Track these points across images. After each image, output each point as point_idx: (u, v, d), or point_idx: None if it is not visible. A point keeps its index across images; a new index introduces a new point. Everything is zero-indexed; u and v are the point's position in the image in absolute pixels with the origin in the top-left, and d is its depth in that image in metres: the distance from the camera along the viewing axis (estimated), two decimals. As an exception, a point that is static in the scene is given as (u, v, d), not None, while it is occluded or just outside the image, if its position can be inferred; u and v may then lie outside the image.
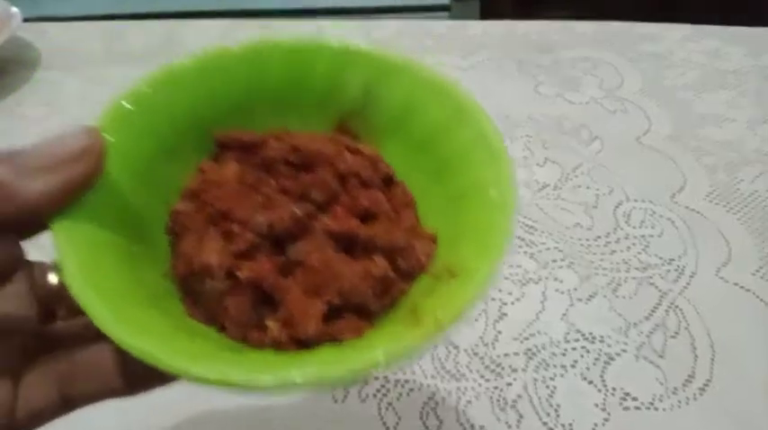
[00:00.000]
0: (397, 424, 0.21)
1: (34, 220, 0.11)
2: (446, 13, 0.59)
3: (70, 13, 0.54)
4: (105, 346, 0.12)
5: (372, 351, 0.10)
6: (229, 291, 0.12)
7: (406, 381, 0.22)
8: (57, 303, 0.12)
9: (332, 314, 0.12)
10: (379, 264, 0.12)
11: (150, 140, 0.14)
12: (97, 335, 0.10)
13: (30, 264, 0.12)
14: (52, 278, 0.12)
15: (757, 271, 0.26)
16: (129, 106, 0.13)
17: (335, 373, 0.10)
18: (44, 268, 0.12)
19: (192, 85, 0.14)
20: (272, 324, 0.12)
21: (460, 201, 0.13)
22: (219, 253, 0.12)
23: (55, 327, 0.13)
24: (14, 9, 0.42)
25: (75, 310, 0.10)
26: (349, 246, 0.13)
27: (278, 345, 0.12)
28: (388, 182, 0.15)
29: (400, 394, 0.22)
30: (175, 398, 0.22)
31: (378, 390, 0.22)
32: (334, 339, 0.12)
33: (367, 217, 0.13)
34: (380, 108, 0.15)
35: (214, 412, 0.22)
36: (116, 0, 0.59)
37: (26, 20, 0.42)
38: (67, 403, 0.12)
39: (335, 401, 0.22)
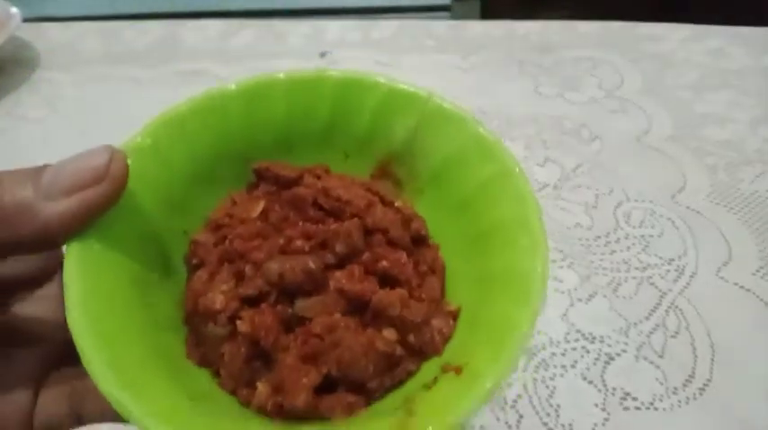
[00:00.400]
0: (397, 424, 0.21)
1: (48, 240, 0.11)
2: (447, 13, 0.59)
3: (70, 13, 0.54)
4: None
5: None
6: (228, 338, 0.12)
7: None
8: None
9: (327, 385, 0.11)
10: (387, 338, 0.12)
11: (183, 166, 0.13)
12: None
13: None
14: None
15: (757, 271, 0.26)
16: (162, 130, 0.13)
17: None
18: None
19: (233, 113, 0.14)
20: (261, 387, 0.11)
21: (489, 283, 0.12)
22: (226, 296, 0.12)
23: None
24: (14, 9, 0.42)
25: None
26: (360, 309, 0.12)
27: (263, 412, 0.11)
28: (419, 242, 0.14)
29: (400, 394, 0.22)
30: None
31: (378, 390, 0.22)
32: (322, 415, 0.11)
33: (387, 279, 0.13)
34: (425, 156, 0.14)
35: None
36: (115, 0, 0.59)
37: (26, 20, 0.42)
38: (77, 419, 0.12)
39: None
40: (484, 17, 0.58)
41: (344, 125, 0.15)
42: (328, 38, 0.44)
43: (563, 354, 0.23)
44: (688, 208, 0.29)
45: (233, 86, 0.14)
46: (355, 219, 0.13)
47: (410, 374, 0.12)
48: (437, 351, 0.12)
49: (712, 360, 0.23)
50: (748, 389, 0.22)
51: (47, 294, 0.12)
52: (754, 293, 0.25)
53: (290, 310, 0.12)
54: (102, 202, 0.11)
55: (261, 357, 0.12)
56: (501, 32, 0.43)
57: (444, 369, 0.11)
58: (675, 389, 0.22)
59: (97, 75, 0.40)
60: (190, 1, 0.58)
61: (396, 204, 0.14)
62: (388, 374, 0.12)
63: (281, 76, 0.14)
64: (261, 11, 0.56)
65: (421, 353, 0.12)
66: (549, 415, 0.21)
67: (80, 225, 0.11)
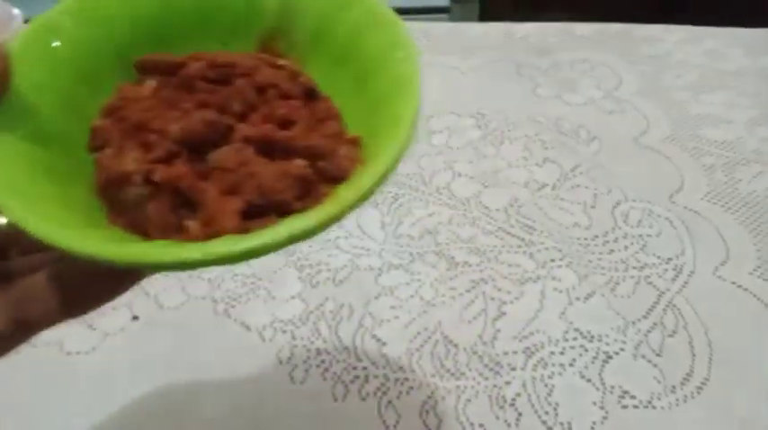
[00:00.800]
0: (397, 422, 0.21)
1: None
2: (445, 15, 0.59)
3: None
4: (44, 271, 0.12)
5: (269, 231, 0.10)
6: (148, 196, 0.12)
7: (406, 380, 0.23)
8: (9, 245, 0.12)
9: (254, 214, 0.12)
10: (299, 165, 0.12)
11: (69, 67, 0.13)
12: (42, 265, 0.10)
13: None
14: (2, 220, 0.12)
15: (755, 270, 0.26)
16: (42, 32, 0.13)
17: (236, 248, 0.10)
18: None
19: (106, 12, 0.14)
20: (191, 223, 0.12)
21: (378, 107, 0.13)
22: (137, 161, 0.12)
23: (10, 263, 0.13)
24: (16, 10, 0.42)
25: (27, 251, 0.11)
26: (269, 151, 0.13)
27: None
28: (311, 95, 0.14)
29: (400, 393, 0.22)
30: (174, 399, 0.22)
31: (377, 389, 0.22)
32: None
33: (287, 124, 0.13)
34: (299, 22, 0.15)
35: (211, 413, 0.22)
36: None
37: (27, 21, 0.42)
38: (22, 328, 0.12)
39: (335, 400, 0.22)
40: (482, 19, 0.58)
41: (217, 12, 0.15)
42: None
43: (561, 353, 0.23)
44: (686, 208, 0.29)
45: None
46: (245, 78, 0.13)
47: (328, 196, 0.12)
48: (349, 176, 0.13)
49: (710, 359, 0.23)
50: (746, 388, 0.22)
51: None
52: (751, 292, 0.25)
53: (203, 165, 0.12)
54: None
55: (184, 205, 0.12)
56: (499, 34, 0.43)
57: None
58: (673, 387, 0.22)
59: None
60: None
61: (280, 63, 0.14)
62: (309, 198, 0.12)
63: None
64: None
65: (335, 179, 0.13)
66: (547, 413, 0.21)
67: None
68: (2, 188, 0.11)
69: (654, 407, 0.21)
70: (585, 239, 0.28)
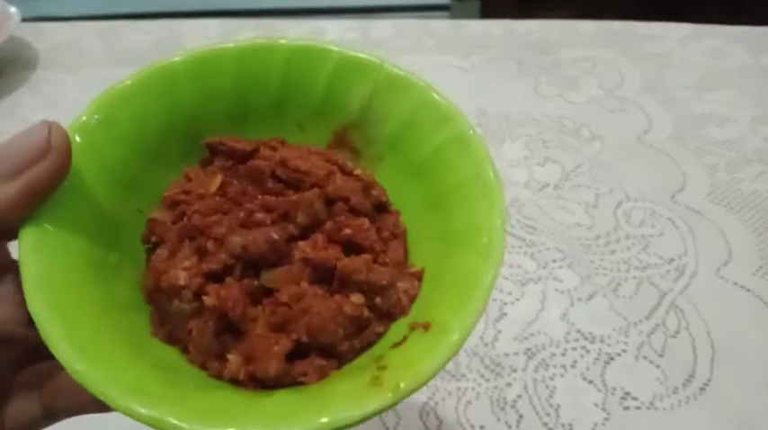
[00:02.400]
0: (397, 424, 0.21)
1: (3, 226, 0.11)
2: (446, 13, 0.59)
3: (69, 12, 0.54)
4: None
5: (318, 416, 0.09)
6: (195, 313, 0.12)
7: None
8: None
9: (298, 352, 0.11)
10: (355, 303, 0.12)
11: (132, 142, 0.13)
12: None
13: (16, 265, 0.11)
14: None
15: (757, 270, 0.26)
16: (108, 105, 0.13)
17: None
18: None
19: (180, 85, 0.14)
20: (232, 358, 0.11)
21: (450, 242, 0.13)
22: (189, 272, 0.12)
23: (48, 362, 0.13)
24: (13, 9, 0.42)
25: None
26: (326, 277, 0.12)
27: (236, 382, 0.11)
28: (381, 209, 0.14)
29: (400, 394, 0.22)
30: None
31: (378, 390, 0.22)
32: (295, 380, 0.11)
33: (351, 247, 0.13)
34: (381, 123, 0.14)
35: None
36: (115, -1, 0.59)
37: (24, 20, 0.42)
38: (50, 415, 0.12)
39: (336, 401, 0.22)
40: (483, 17, 0.58)
41: (298, 95, 0.15)
42: (327, 38, 0.44)
43: (563, 354, 0.23)
44: (688, 207, 0.29)
45: (178, 58, 0.14)
46: (315, 188, 0.13)
47: (379, 336, 0.12)
48: (404, 311, 0.12)
49: (712, 359, 0.23)
50: (748, 389, 0.22)
51: None
52: (754, 293, 0.25)
53: (255, 283, 0.12)
54: (50, 179, 0.11)
55: (229, 330, 0.12)
56: (501, 32, 0.43)
57: (412, 327, 0.12)
58: (676, 388, 0.22)
59: (97, 75, 0.40)
60: (190, 1, 0.57)
61: (355, 172, 0.14)
62: (358, 337, 0.12)
63: (230, 45, 0.14)
64: (261, 10, 0.56)
65: (389, 315, 0.12)
66: (549, 415, 0.21)
67: (31, 206, 0.11)
68: (43, 301, 0.10)
69: (656, 409, 0.21)
70: (587, 240, 0.28)
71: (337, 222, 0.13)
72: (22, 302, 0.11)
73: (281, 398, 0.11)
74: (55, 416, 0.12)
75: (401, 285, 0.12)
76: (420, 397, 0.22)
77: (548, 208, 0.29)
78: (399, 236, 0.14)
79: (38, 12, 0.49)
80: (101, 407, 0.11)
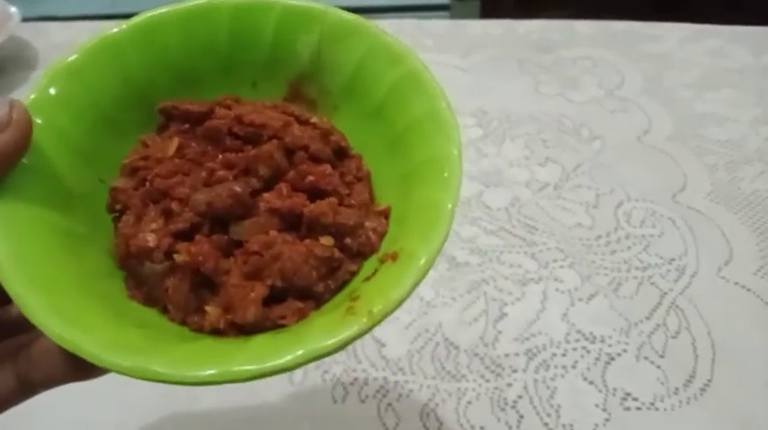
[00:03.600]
0: (397, 425, 0.21)
1: None
2: (446, 13, 0.59)
3: (69, 12, 0.54)
4: None
5: (295, 349, 0.10)
6: (169, 272, 0.12)
7: (406, 382, 0.22)
8: None
9: (275, 296, 0.12)
10: (324, 245, 0.12)
11: (87, 114, 0.13)
12: None
13: None
14: None
15: (758, 270, 0.26)
16: (59, 80, 0.13)
17: (248, 374, 0.10)
18: None
19: (128, 53, 0.13)
20: (211, 310, 0.11)
21: (412, 178, 0.13)
22: (158, 234, 0.12)
23: (12, 311, 0.13)
24: (13, 9, 0.42)
25: None
26: (294, 225, 0.12)
27: (217, 332, 0.11)
28: (341, 154, 0.14)
29: (400, 395, 0.22)
30: (174, 400, 0.22)
31: (377, 391, 0.22)
32: (275, 324, 0.11)
33: (315, 193, 0.13)
34: (333, 71, 0.14)
35: (210, 414, 0.22)
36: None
37: (25, 19, 0.42)
38: (27, 388, 0.12)
39: (335, 402, 0.22)
40: (483, 16, 0.58)
41: (246, 52, 0.14)
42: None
43: (563, 355, 0.23)
44: (689, 207, 0.29)
45: (124, 26, 0.14)
46: (274, 140, 0.13)
47: (353, 274, 0.12)
48: (374, 249, 0.12)
49: (713, 360, 0.23)
50: (749, 389, 0.22)
51: None
52: (754, 293, 0.25)
53: (225, 237, 0.12)
54: (11, 151, 0.11)
55: (204, 284, 0.12)
56: (501, 32, 0.43)
57: (382, 259, 0.12)
58: (676, 389, 0.22)
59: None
60: (190, 1, 0.57)
61: (311, 121, 0.14)
62: (332, 277, 0.12)
63: (172, 8, 0.14)
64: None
65: (360, 254, 0.12)
66: (549, 415, 0.21)
67: None
68: (19, 276, 0.10)
69: (657, 409, 0.21)
70: (588, 239, 0.28)
71: (299, 171, 0.13)
72: None
73: (260, 340, 0.11)
74: (32, 389, 0.12)
75: (369, 224, 0.12)
76: (419, 398, 0.22)
77: (548, 208, 0.29)
78: (363, 178, 0.14)
79: (38, 12, 0.49)
80: (76, 375, 0.12)
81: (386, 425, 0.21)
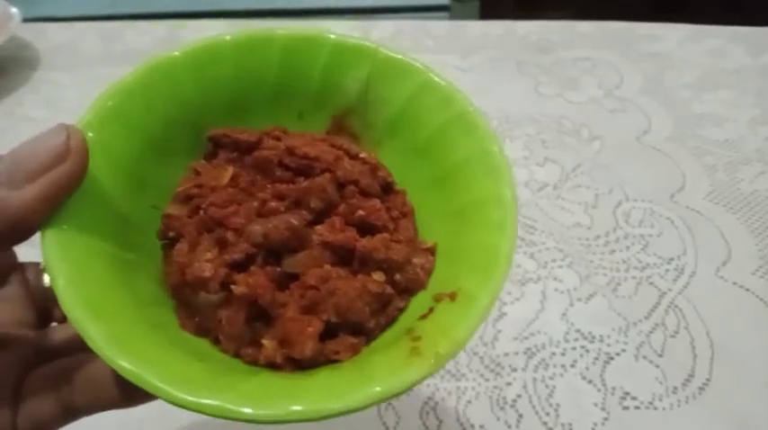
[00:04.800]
0: (397, 423, 0.21)
1: (22, 230, 0.11)
2: (446, 14, 0.59)
3: (69, 13, 0.54)
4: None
5: (371, 387, 0.10)
6: (223, 303, 0.12)
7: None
8: (53, 304, 0.12)
9: (327, 332, 0.12)
10: (377, 280, 0.12)
11: (139, 137, 0.13)
12: None
13: (22, 267, 0.12)
14: (46, 279, 0.11)
15: (757, 270, 0.26)
16: (112, 103, 0.13)
17: (333, 410, 0.09)
18: (38, 269, 0.12)
19: (182, 78, 0.14)
20: (267, 343, 0.11)
21: (461, 217, 0.13)
22: (213, 264, 0.12)
23: (52, 334, 0.13)
24: (14, 9, 0.42)
25: None
26: (346, 258, 0.12)
27: (272, 365, 0.11)
28: (388, 189, 0.14)
29: (400, 394, 0.22)
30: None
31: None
32: (329, 359, 0.11)
33: (365, 227, 0.13)
34: (380, 107, 0.15)
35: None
36: (114, 0, 0.59)
37: (25, 20, 0.42)
38: (69, 413, 0.12)
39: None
40: (483, 17, 0.58)
41: (296, 84, 0.15)
42: (328, 38, 0.44)
43: (563, 354, 0.23)
44: (687, 207, 0.29)
45: (178, 52, 0.14)
46: (326, 173, 0.13)
47: (401, 311, 0.13)
48: (422, 285, 0.13)
49: (712, 359, 0.23)
50: (748, 389, 0.22)
51: (4, 297, 0.11)
52: (753, 293, 0.25)
53: (278, 269, 0.12)
54: (69, 181, 0.11)
55: (259, 317, 0.12)
56: (500, 32, 0.43)
57: (438, 298, 0.12)
58: (675, 388, 0.22)
59: (98, 75, 0.40)
60: (191, 1, 0.58)
61: (361, 155, 0.14)
62: (383, 313, 0.12)
63: (228, 38, 0.14)
64: (261, 11, 0.56)
65: (408, 290, 0.13)
66: (548, 414, 0.21)
67: (51, 209, 0.11)
68: (78, 303, 0.10)
69: (655, 408, 0.21)
70: (587, 239, 0.28)
71: (350, 205, 0.13)
72: (28, 303, 0.11)
73: (324, 375, 0.11)
74: (75, 414, 0.12)
75: (417, 261, 0.13)
76: (419, 396, 0.22)
77: (547, 208, 0.29)
78: (408, 214, 0.14)
79: (39, 12, 0.49)
80: (121, 403, 0.12)
81: (386, 423, 0.21)
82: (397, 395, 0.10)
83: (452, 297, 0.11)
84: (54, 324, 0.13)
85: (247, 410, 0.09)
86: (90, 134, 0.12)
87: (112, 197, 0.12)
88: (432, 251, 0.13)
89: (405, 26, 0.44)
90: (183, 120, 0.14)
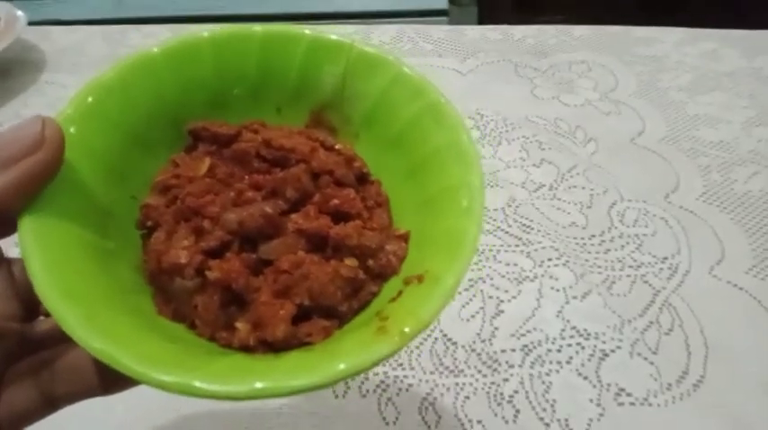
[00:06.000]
0: (397, 418, 0.22)
1: (1, 217, 0.11)
2: (444, 18, 0.60)
3: (74, 16, 0.55)
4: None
5: (336, 364, 0.10)
6: (199, 289, 0.12)
7: (405, 377, 0.23)
8: (38, 299, 0.12)
9: (300, 315, 0.12)
10: (350, 266, 0.12)
11: (119, 131, 0.13)
12: None
13: (8, 262, 0.12)
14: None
15: (750, 269, 0.26)
16: (93, 96, 0.13)
17: (296, 387, 0.10)
18: (23, 265, 0.11)
19: (161, 74, 0.14)
20: (241, 326, 0.12)
21: (432, 205, 0.13)
22: (189, 251, 0.12)
23: (36, 327, 0.13)
24: (19, 12, 0.43)
25: None
26: (320, 245, 0.13)
27: (246, 348, 0.12)
28: (363, 179, 0.15)
29: (399, 389, 0.22)
30: (174, 396, 0.22)
31: (377, 386, 0.23)
32: (301, 341, 0.12)
33: (339, 216, 0.13)
34: (356, 101, 0.15)
35: (212, 410, 0.22)
36: (120, 3, 0.59)
37: (31, 23, 0.43)
38: (50, 403, 0.12)
39: (336, 397, 0.22)
40: (481, 22, 0.59)
41: (274, 79, 0.15)
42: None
43: (558, 351, 0.23)
44: (681, 208, 0.29)
45: (157, 49, 0.14)
46: (301, 164, 0.13)
47: (374, 295, 0.13)
48: (395, 271, 0.13)
49: (706, 357, 0.23)
50: (741, 386, 0.22)
51: None
52: (746, 291, 0.25)
53: (253, 256, 0.12)
54: (43, 170, 0.11)
55: (234, 301, 0.12)
56: (497, 37, 0.44)
57: (407, 281, 0.12)
58: (669, 385, 0.22)
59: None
60: (194, 5, 0.58)
61: (336, 147, 0.15)
62: (355, 298, 0.12)
63: (206, 34, 0.14)
64: (263, 15, 0.57)
65: (381, 275, 0.13)
66: (544, 410, 0.22)
67: (25, 196, 0.11)
68: (55, 291, 0.10)
69: (650, 405, 0.22)
70: (582, 239, 0.28)
71: (325, 194, 0.13)
72: (14, 296, 0.11)
73: (294, 356, 0.11)
74: (54, 404, 0.12)
75: (390, 247, 0.13)
76: (418, 392, 0.22)
77: (543, 208, 0.30)
78: (383, 204, 0.14)
79: (44, 15, 0.50)
80: (100, 390, 0.12)
81: (386, 419, 0.22)
82: (361, 371, 0.10)
83: (420, 279, 0.12)
84: (40, 318, 0.13)
85: (211, 387, 0.10)
86: (71, 129, 0.12)
87: (92, 188, 0.12)
88: (405, 238, 0.13)
89: (404, 30, 0.45)
90: (163, 115, 0.14)
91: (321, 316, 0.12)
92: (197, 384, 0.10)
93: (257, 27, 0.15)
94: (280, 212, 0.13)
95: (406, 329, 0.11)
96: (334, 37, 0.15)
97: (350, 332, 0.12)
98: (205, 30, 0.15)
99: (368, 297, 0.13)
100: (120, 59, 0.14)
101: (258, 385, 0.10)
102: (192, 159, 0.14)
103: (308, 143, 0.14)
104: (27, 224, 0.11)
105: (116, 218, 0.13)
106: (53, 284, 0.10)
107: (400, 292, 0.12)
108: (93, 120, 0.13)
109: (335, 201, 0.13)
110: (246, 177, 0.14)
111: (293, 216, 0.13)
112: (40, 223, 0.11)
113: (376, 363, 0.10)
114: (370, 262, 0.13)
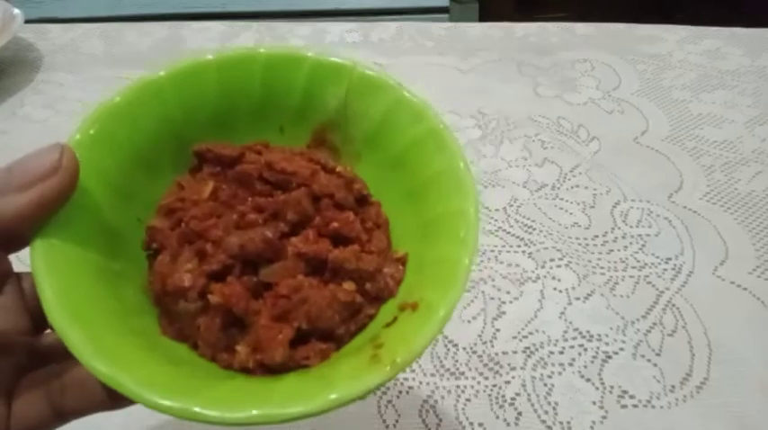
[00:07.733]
0: (397, 421, 0.21)
1: (13, 238, 0.11)
2: (446, 15, 0.59)
3: (72, 14, 0.54)
4: None
5: (328, 393, 0.10)
6: (201, 311, 0.12)
7: (406, 379, 0.23)
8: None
9: (299, 338, 0.12)
10: (347, 290, 0.13)
11: (126, 154, 0.14)
12: None
13: (18, 277, 0.12)
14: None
15: (754, 270, 0.26)
16: (102, 121, 0.13)
17: (291, 415, 0.10)
18: (32, 279, 0.12)
19: (167, 97, 0.14)
20: (241, 349, 0.12)
21: (430, 228, 0.13)
22: (192, 274, 0.12)
23: (45, 340, 0.13)
24: (16, 11, 0.42)
25: None
26: (319, 268, 0.13)
27: (245, 370, 0.12)
28: (363, 201, 0.15)
29: (400, 392, 0.22)
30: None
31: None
32: (298, 364, 0.12)
33: (339, 239, 0.14)
34: (358, 121, 0.15)
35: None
36: (117, 2, 0.59)
37: (28, 21, 0.43)
38: (59, 416, 0.12)
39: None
40: (482, 19, 0.58)
41: (277, 100, 0.15)
42: (329, 39, 0.45)
43: (561, 353, 0.23)
44: (685, 207, 0.29)
45: (163, 73, 0.14)
46: (302, 187, 0.14)
47: (371, 318, 0.13)
48: (392, 294, 0.13)
49: (709, 358, 0.23)
50: (745, 387, 0.22)
51: (0, 305, 0.12)
52: (750, 292, 0.25)
53: (254, 279, 0.13)
54: (58, 194, 0.11)
55: (235, 324, 0.12)
56: (499, 34, 0.43)
57: (402, 307, 0.13)
58: (673, 387, 0.22)
59: (99, 76, 0.41)
60: (192, 2, 0.58)
61: (337, 169, 0.15)
62: (352, 321, 0.13)
63: (210, 57, 0.15)
64: (262, 13, 0.56)
65: (378, 298, 0.13)
66: (547, 412, 0.22)
67: (40, 218, 0.11)
68: (63, 311, 0.11)
69: (653, 407, 0.21)
70: (585, 239, 0.28)
71: (324, 217, 0.14)
72: (24, 311, 0.12)
73: (290, 381, 0.12)
74: (64, 417, 0.12)
75: (387, 270, 0.13)
76: (419, 395, 0.22)
77: (546, 208, 0.30)
78: (382, 225, 0.15)
79: (41, 14, 0.49)
80: (108, 405, 0.12)
81: (386, 421, 0.21)
82: (353, 401, 0.10)
83: (414, 307, 0.12)
84: (48, 331, 0.13)
85: (210, 413, 0.10)
86: (80, 152, 0.12)
87: (101, 210, 0.13)
88: (402, 261, 0.14)
89: (405, 28, 0.45)
90: (169, 136, 0.15)
91: (319, 339, 0.12)
92: (197, 409, 0.10)
93: (261, 49, 0.15)
94: (280, 235, 0.13)
95: (398, 359, 0.11)
96: (335, 59, 0.15)
97: (345, 357, 0.12)
98: (209, 52, 0.15)
99: (365, 319, 0.13)
100: (127, 84, 0.14)
101: (254, 412, 0.10)
102: (197, 182, 0.15)
103: (309, 166, 0.14)
104: (39, 247, 0.11)
105: (123, 239, 0.13)
106: (62, 308, 0.11)
107: (395, 318, 0.12)
108: (101, 145, 0.13)
109: (335, 224, 0.14)
110: (249, 199, 0.14)
111: (293, 239, 0.13)
112: (51, 248, 0.11)
113: (368, 393, 0.11)
114: (368, 285, 0.13)
